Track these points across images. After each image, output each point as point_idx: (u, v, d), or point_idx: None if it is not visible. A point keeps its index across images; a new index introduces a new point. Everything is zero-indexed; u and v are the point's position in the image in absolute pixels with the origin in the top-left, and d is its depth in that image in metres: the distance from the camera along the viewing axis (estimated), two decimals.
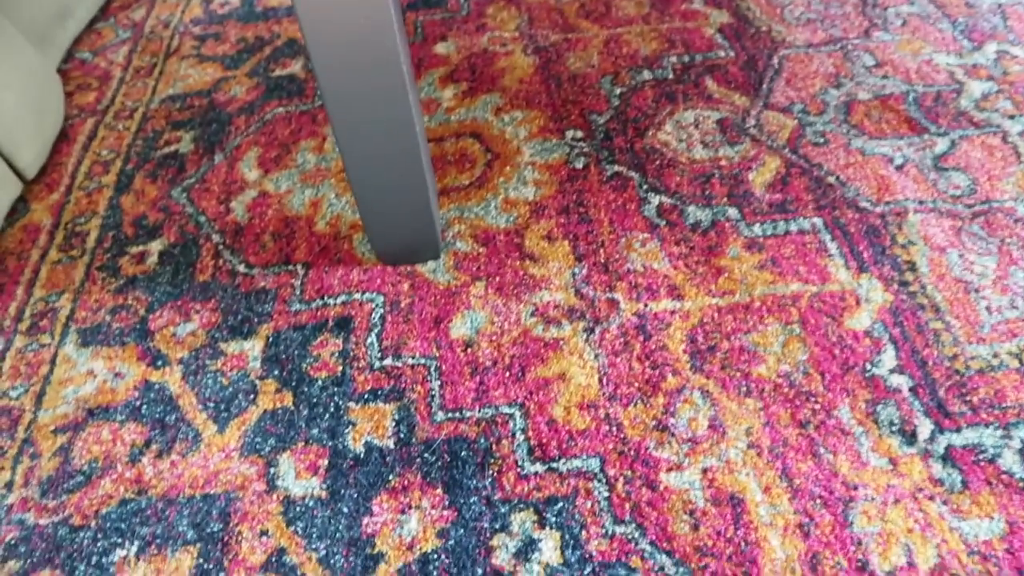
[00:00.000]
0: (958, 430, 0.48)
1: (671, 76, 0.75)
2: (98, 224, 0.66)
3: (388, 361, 0.54)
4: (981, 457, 0.47)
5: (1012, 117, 0.70)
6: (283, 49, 0.83)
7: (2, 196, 0.66)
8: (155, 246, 0.64)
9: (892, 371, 0.51)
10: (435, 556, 0.45)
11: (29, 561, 0.46)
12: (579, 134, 0.69)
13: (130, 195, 0.68)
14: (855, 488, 0.46)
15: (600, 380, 0.52)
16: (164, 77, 0.81)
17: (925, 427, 0.48)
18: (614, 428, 0.49)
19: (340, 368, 0.54)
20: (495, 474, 0.48)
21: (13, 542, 0.47)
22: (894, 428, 0.48)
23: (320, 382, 0.53)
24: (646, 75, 0.75)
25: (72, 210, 0.68)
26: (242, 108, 0.76)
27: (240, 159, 0.70)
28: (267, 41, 0.84)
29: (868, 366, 0.52)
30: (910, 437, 0.48)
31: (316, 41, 0.45)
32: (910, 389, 0.50)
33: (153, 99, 0.78)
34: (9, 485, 0.50)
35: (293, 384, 0.53)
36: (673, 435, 0.49)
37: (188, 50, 0.84)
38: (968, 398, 0.49)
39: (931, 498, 0.45)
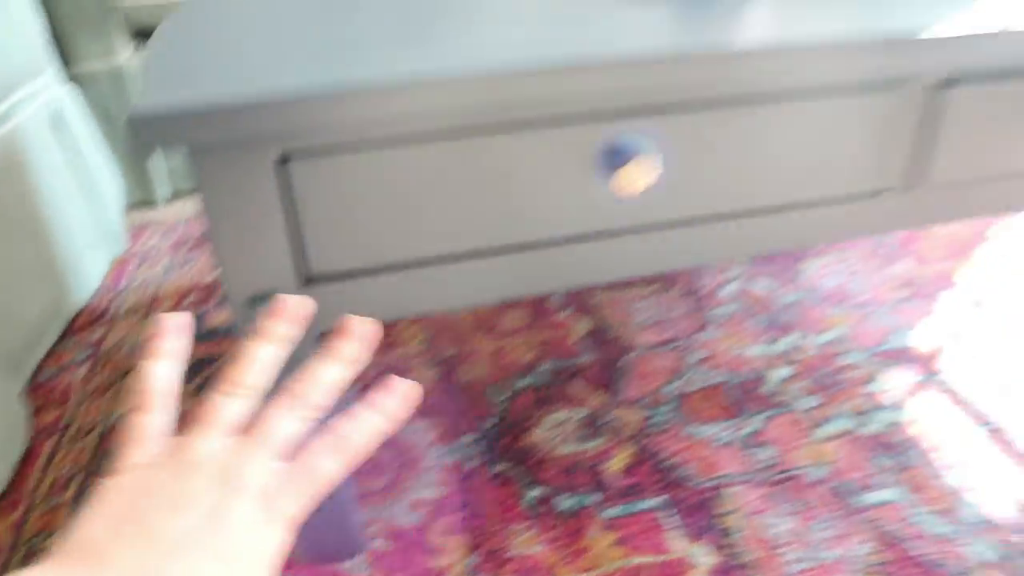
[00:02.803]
0: None
1: (545, 382, 0.94)
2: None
3: None
4: None
5: (804, 399, 0.91)
6: None
7: None
8: None
9: None
10: None
11: None
12: (472, 439, 0.86)
13: None
14: None
15: None
16: (122, 395, 0.95)
17: None
18: None
19: None
20: None
21: None
22: None
23: None
24: (526, 381, 0.94)
25: (32, 528, 0.77)
26: None
27: None
28: (209, 361, 1.01)
29: None
30: None
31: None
32: None
33: (111, 417, 0.91)
34: None
35: None
36: None
37: None
38: None
39: None
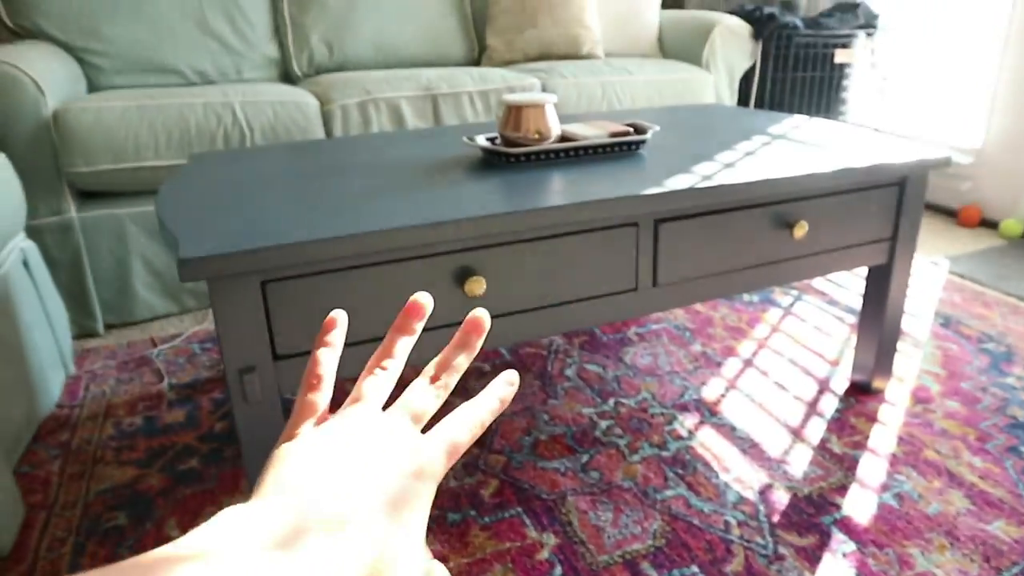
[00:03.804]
0: None
1: None
2: None
3: None
4: None
5: (622, 438, 1.28)
6: (182, 452, 1.25)
7: None
8: None
9: None
10: None
11: None
12: None
13: (85, 557, 1.02)
14: None
15: None
16: (95, 478, 1.19)
17: None
18: None
19: None
20: None
21: None
22: None
23: None
24: None
25: (40, 574, 1.00)
26: (159, 492, 1.15)
27: (165, 524, 1.08)
28: (169, 447, 1.26)
29: None
30: None
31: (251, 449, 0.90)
32: None
33: (89, 494, 1.15)
34: None
35: None
36: None
37: (110, 458, 1.23)
38: None
39: None
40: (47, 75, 1.62)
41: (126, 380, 1.50)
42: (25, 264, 1.40)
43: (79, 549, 1.04)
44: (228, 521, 0.26)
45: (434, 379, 0.35)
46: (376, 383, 0.35)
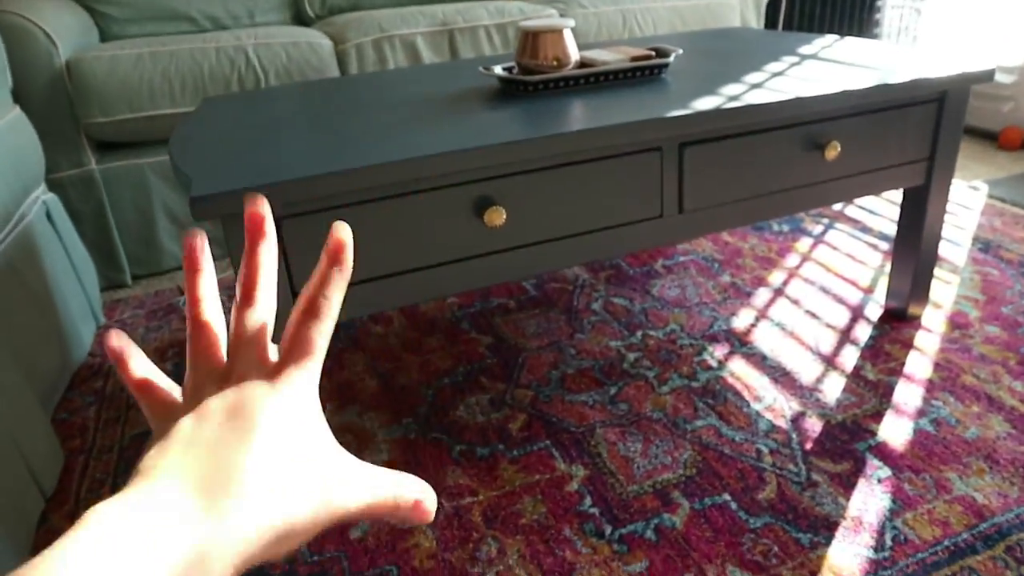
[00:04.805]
0: (624, 526, 0.94)
1: (460, 379, 1.26)
2: None
3: None
4: (637, 537, 0.92)
5: (650, 370, 1.26)
6: None
7: (33, 510, 1.00)
8: None
9: (590, 506, 0.97)
10: None
11: None
12: (410, 420, 1.16)
13: None
14: (574, 566, 0.89)
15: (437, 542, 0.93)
16: (129, 423, 1.21)
17: (608, 528, 0.94)
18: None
19: None
20: None
21: None
22: (591, 531, 0.93)
23: None
24: (446, 380, 1.26)
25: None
26: None
27: None
28: None
29: (577, 508, 0.97)
30: (600, 533, 0.93)
31: None
32: (600, 513, 0.96)
33: (124, 438, 1.17)
34: None
35: None
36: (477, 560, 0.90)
37: None
38: (629, 510, 0.96)
39: (611, 561, 0.89)
40: (58, 25, 1.59)
41: (155, 328, 1.52)
42: (49, 217, 1.40)
43: (118, 491, 1.06)
44: (107, 536, 0.22)
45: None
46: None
